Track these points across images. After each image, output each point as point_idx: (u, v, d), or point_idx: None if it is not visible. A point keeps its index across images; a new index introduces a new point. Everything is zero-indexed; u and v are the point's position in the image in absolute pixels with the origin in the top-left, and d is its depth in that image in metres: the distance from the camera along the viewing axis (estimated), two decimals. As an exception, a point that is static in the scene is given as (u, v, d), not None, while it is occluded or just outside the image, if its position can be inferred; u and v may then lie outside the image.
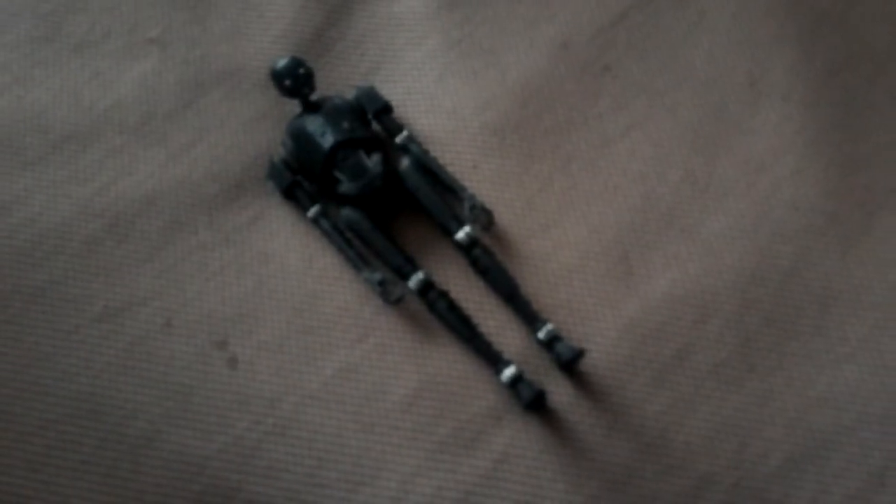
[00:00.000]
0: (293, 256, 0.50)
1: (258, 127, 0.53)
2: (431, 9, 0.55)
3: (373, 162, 0.50)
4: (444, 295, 0.47)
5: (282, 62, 0.50)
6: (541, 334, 0.46)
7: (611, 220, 0.49)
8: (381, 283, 0.48)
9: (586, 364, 0.46)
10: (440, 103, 0.53)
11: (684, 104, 0.52)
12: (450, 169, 0.51)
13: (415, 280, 0.48)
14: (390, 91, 0.53)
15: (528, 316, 0.47)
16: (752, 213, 0.49)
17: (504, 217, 0.50)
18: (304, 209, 0.50)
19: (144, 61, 0.55)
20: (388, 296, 0.48)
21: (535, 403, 0.45)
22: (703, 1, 0.54)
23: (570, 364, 0.46)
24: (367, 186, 0.49)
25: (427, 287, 0.47)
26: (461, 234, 0.48)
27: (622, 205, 0.50)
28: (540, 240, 0.49)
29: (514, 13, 0.55)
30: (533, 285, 0.48)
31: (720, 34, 0.53)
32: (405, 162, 0.50)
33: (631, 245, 0.49)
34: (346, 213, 0.49)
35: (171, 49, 0.56)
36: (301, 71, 0.50)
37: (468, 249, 0.48)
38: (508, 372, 0.46)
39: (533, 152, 0.51)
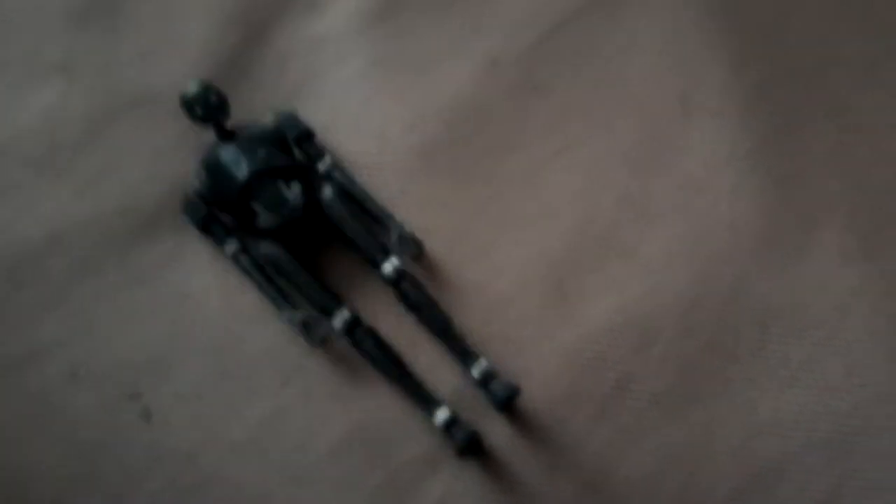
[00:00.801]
0: (211, 295, 0.43)
1: (172, 156, 0.47)
2: (355, 26, 0.49)
3: (292, 192, 0.44)
4: (371, 333, 0.42)
5: (192, 89, 0.44)
6: (475, 371, 0.41)
7: (546, 246, 0.44)
8: (304, 324, 0.42)
9: (524, 400, 0.41)
10: (366, 125, 0.47)
11: (618, 123, 0.47)
12: (377, 195, 0.45)
13: (340, 318, 0.42)
14: (314, 113, 0.47)
15: (462, 352, 0.42)
16: (690, 234, 0.44)
17: (434, 245, 0.44)
18: (222, 244, 0.44)
19: (48, 90, 0.48)
20: (312, 337, 0.42)
21: (469, 448, 0.40)
22: (634, 18, 0.49)
23: (506, 403, 0.41)
24: (286, 218, 0.43)
25: (353, 325, 0.42)
26: (388, 267, 0.43)
27: (557, 229, 0.45)
28: (472, 269, 0.44)
29: (442, 29, 0.49)
30: (466, 317, 0.43)
31: (652, 51, 0.48)
32: (328, 190, 0.45)
33: (567, 271, 0.44)
34: (265, 247, 0.43)
35: (78, 76, 0.48)
36: (213, 98, 0.44)
37: (396, 283, 0.43)
38: (442, 414, 0.40)
39: (463, 175, 0.46)
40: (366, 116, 0.47)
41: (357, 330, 0.42)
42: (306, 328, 0.42)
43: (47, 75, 0.49)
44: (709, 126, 0.47)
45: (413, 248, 0.44)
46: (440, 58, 0.48)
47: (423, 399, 0.41)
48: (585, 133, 0.47)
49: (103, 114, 0.47)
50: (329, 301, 0.42)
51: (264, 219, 0.43)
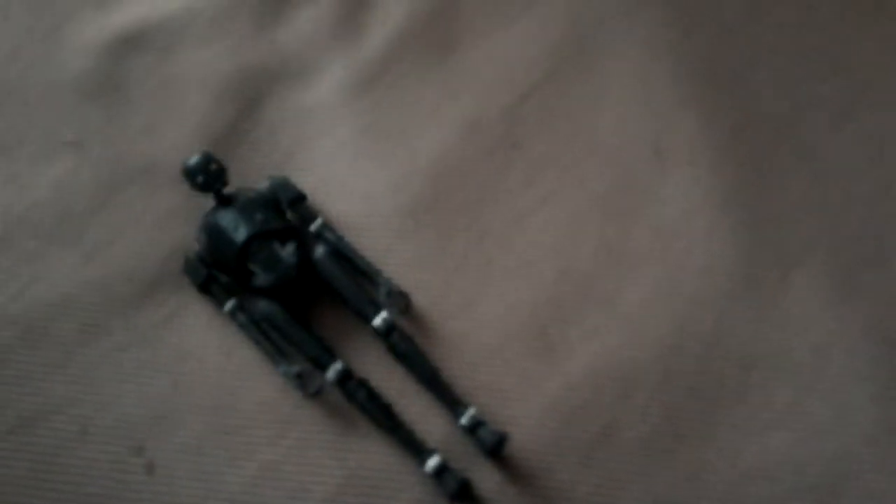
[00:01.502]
0: (210, 352, 0.48)
1: (174, 222, 0.52)
2: (341, 97, 0.55)
3: (286, 252, 0.48)
4: (363, 384, 0.46)
5: (193, 159, 0.49)
6: (463, 420, 0.44)
7: (528, 296, 0.48)
8: (299, 377, 0.46)
9: (512, 448, 0.44)
10: (353, 188, 0.52)
11: (594, 175, 0.51)
12: (365, 253, 0.49)
13: (333, 371, 0.46)
14: (304, 179, 0.52)
15: (450, 401, 0.45)
16: (668, 280, 0.48)
17: (421, 299, 0.48)
18: (221, 303, 0.49)
19: (60, 163, 0.54)
20: (307, 389, 0.46)
21: (460, 494, 0.43)
22: (606, 73, 0.54)
23: (494, 450, 0.44)
24: (281, 278, 0.48)
25: (345, 377, 0.46)
26: (378, 321, 0.47)
27: (538, 279, 0.49)
28: (458, 320, 0.48)
29: (423, 96, 0.55)
30: (453, 368, 0.46)
31: (624, 104, 0.53)
32: (320, 250, 0.49)
33: (550, 320, 0.47)
34: (262, 305, 0.48)
35: (87, 149, 0.54)
36: (213, 167, 0.49)
37: (386, 335, 0.47)
38: (432, 462, 0.43)
39: (447, 232, 0.50)
40: (353, 180, 0.52)
41: (349, 381, 0.46)
42: (301, 381, 0.46)
43: (60, 150, 0.55)
44: (683, 173, 0.51)
45: (401, 302, 0.48)
46: (421, 123, 0.54)
47: (415, 447, 0.44)
48: (562, 185, 0.51)
49: (110, 184, 0.53)
50: (323, 354, 0.46)
51: (261, 278, 0.48)
